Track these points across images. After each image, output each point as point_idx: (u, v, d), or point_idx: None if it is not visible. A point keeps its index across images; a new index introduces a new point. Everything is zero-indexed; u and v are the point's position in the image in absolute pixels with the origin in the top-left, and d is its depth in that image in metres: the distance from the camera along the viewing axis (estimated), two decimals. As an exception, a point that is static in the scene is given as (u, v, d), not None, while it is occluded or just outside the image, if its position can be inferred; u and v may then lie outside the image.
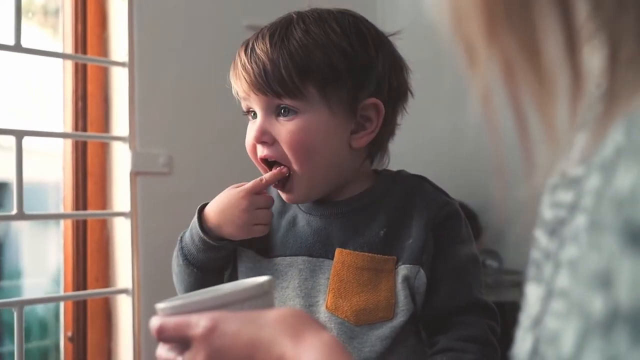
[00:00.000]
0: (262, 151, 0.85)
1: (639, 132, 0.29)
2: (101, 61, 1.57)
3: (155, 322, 0.57)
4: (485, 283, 0.92)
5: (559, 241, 0.35)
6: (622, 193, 0.28)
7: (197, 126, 1.64)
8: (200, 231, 0.86)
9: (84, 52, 1.57)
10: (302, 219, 0.89)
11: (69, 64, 1.56)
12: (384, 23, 0.93)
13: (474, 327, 0.82)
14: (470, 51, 0.34)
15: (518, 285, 1.59)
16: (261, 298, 0.59)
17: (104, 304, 1.56)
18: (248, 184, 0.86)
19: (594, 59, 0.33)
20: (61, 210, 1.56)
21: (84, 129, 1.56)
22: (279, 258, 0.88)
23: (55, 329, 1.60)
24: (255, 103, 0.84)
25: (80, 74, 1.57)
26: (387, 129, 0.88)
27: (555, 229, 0.36)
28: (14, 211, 1.30)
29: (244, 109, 0.88)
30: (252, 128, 0.85)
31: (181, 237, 0.91)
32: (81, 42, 1.56)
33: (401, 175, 0.91)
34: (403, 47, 0.90)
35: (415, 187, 0.88)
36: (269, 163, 0.85)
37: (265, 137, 0.83)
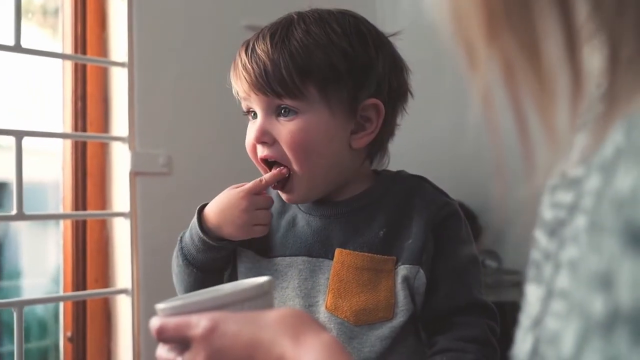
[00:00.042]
0: (262, 151, 0.85)
1: (639, 132, 0.29)
2: (101, 61, 1.57)
3: (155, 322, 0.57)
4: (485, 283, 0.92)
5: (559, 242, 0.35)
6: (622, 194, 0.28)
7: (197, 126, 1.64)
8: (199, 231, 0.86)
9: (84, 52, 1.57)
10: (302, 219, 0.89)
11: (69, 64, 1.56)
12: (383, 23, 0.93)
13: (474, 327, 0.82)
14: (471, 51, 0.34)
15: (517, 285, 1.60)
16: (261, 298, 0.59)
17: (103, 304, 1.56)
18: (248, 185, 0.86)
19: (594, 59, 0.33)
20: (60, 210, 1.56)
21: (84, 129, 1.56)
22: (278, 258, 0.88)
23: (55, 329, 1.60)
24: (255, 103, 0.84)
25: (80, 74, 1.57)
26: (387, 130, 0.88)
27: (555, 230, 0.36)
28: (14, 211, 1.30)
29: (244, 109, 0.87)
30: (252, 128, 0.85)
31: (181, 237, 0.91)
32: (81, 42, 1.56)
33: (401, 175, 0.91)
34: (403, 47, 0.90)
35: (414, 187, 0.88)
36: (269, 163, 0.85)
37: (265, 137, 0.83)
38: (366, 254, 0.83)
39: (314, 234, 0.87)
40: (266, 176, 0.85)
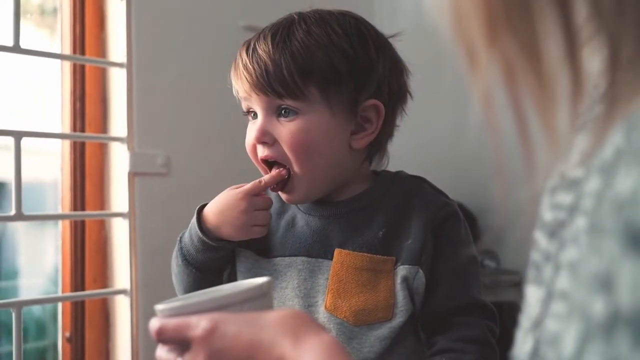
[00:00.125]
0: (262, 151, 0.85)
1: (639, 134, 0.29)
2: (99, 62, 1.57)
3: (154, 323, 0.57)
4: (483, 283, 0.92)
5: (558, 243, 0.35)
6: (622, 195, 0.28)
7: (195, 127, 1.63)
8: (199, 232, 0.86)
9: (82, 52, 1.57)
10: (301, 219, 0.89)
11: (67, 65, 1.56)
12: (383, 24, 0.92)
13: (473, 327, 0.82)
14: (471, 52, 0.34)
15: (515, 285, 1.60)
16: (260, 299, 0.59)
17: (102, 305, 1.56)
18: (247, 185, 0.86)
19: (593, 60, 0.33)
20: (59, 211, 1.56)
21: (82, 130, 1.56)
22: (278, 258, 0.88)
23: (53, 329, 1.60)
24: (256, 103, 0.84)
25: (79, 75, 1.56)
26: (387, 131, 0.88)
27: (555, 231, 0.36)
28: (12, 212, 1.30)
29: (245, 109, 0.87)
30: (253, 128, 0.85)
31: (180, 238, 0.91)
32: (79, 42, 1.56)
33: (400, 176, 0.91)
34: (403, 48, 0.90)
35: (414, 187, 0.88)
36: (269, 163, 0.85)
37: (265, 138, 0.83)
38: (365, 254, 0.83)
39: (314, 234, 0.87)
40: (265, 177, 0.85)
